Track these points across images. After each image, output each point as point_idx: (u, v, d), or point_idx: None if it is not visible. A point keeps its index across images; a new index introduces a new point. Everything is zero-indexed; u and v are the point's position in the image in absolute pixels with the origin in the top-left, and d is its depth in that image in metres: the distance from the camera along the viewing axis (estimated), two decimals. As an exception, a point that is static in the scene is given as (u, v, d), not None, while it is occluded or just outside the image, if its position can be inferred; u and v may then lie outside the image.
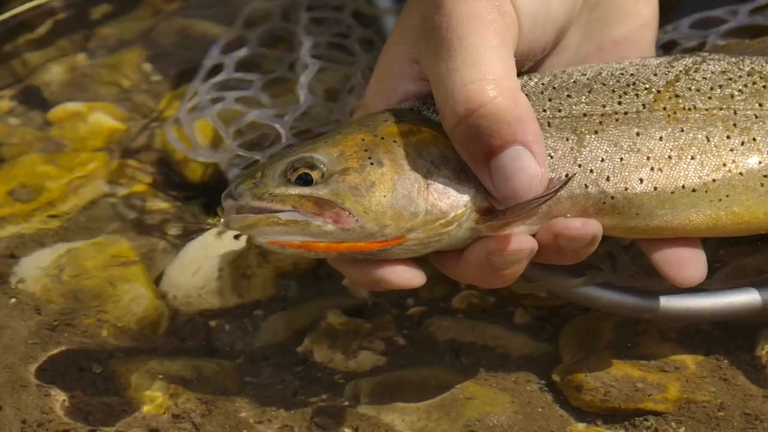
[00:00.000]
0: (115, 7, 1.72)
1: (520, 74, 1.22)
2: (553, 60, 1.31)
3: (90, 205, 1.48)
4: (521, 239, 1.17)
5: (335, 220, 1.17)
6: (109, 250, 1.41)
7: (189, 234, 1.43)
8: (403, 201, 1.17)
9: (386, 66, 1.26)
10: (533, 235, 1.19)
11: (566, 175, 1.18)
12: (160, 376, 1.29)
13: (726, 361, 1.29)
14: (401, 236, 1.17)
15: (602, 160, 1.20)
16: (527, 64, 1.27)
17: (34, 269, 1.40)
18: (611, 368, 1.27)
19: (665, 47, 1.49)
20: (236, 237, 1.41)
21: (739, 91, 1.23)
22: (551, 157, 1.19)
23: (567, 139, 1.20)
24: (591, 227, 1.18)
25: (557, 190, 1.16)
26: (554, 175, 1.19)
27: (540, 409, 1.26)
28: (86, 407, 1.26)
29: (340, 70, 1.53)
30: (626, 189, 1.20)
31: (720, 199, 1.21)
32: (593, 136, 1.20)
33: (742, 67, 1.25)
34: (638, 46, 1.32)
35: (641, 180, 1.20)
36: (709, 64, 1.25)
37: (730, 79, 1.24)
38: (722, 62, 1.26)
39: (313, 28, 1.57)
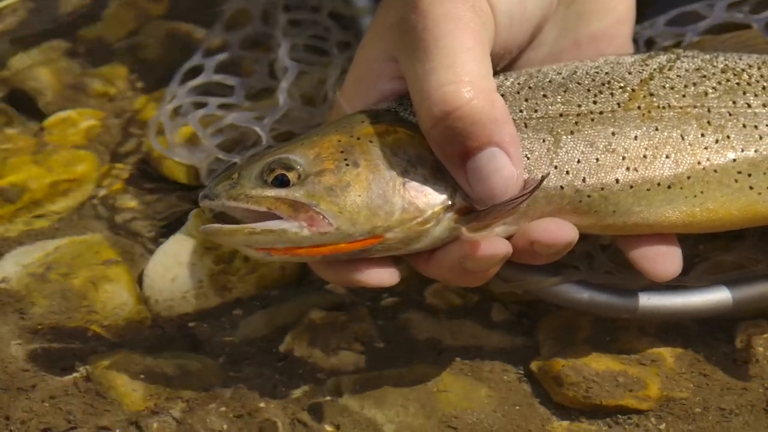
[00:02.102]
0: (100, 10, 1.73)
1: (495, 73, 1.24)
2: (529, 55, 1.32)
3: (73, 205, 1.49)
4: (496, 244, 1.18)
5: (310, 223, 1.18)
6: (92, 251, 1.42)
7: (171, 235, 1.43)
8: (378, 200, 1.18)
9: (363, 64, 1.27)
10: (509, 237, 1.21)
11: (541, 176, 1.20)
12: (142, 376, 1.30)
13: (704, 354, 1.30)
14: (379, 235, 1.19)
15: (578, 161, 1.21)
16: (503, 62, 1.28)
17: (17, 269, 1.40)
18: (591, 362, 1.28)
19: (646, 44, 1.51)
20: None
21: (713, 88, 1.25)
22: (528, 159, 1.21)
23: (543, 140, 1.21)
24: (567, 234, 1.20)
25: (533, 191, 1.17)
26: (530, 176, 1.20)
27: (517, 408, 1.27)
28: (67, 407, 1.27)
29: (318, 73, 1.54)
30: (602, 188, 1.21)
31: (695, 196, 1.22)
32: (569, 136, 1.22)
33: (715, 64, 1.27)
34: (615, 41, 1.33)
35: (617, 180, 1.21)
36: (683, 62, 1.27)
37: (704, 76, 1.25)
38: (696, 59, 1.27)
39: (290, 30, 1.58)
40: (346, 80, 1.30)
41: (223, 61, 1.56)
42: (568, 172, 1.21)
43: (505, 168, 1.16)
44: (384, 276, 1.21)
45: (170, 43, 1.67)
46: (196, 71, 1.55)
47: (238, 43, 1.59)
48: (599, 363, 1.28)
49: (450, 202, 1.19)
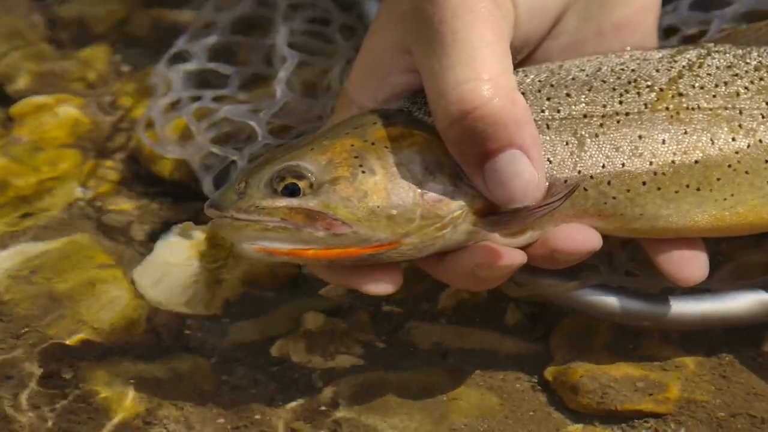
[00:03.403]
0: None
1: (515, 68, 1.21)
2: (549, 44, 1.29)
3: (60, 204, 1.46)
4: (512, 254, 1.17)
5: (326, 227, 1.16)
6: (79, 252, 1.40)
7: (162, 234, 1.42)
8: (397, 209, 1.16)
9: (373, 54, 1.24)
10: (532, 243, 1.20)
11: (565, 181, 1.18)
12: (132, 381, 1.28)
13: (728, 358, 1.29)
14: (396, 241, 1.17)
15: (603, 166, 1.19)
16: (521, 55, 1.26)
17: (0, 272, 1.38)
18: (609, 368, 1.26)
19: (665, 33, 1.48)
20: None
21: (745, 88, 1.22)
22: (550, 162, 1.18)
23: (567, 143, 1.19)
24: (590, 243, 1.18)
25: (567, 195, 1.15)
26: (554, 180, 1.18)
27: (531, 413, 1.25)
28: (53, 417, 1.25)
29: (320, 62, 1.51)
30: (628, 191, 1.19)
31: (725, 199, 1.20)
32: (594, 139, 1.19)
33: (748, 60, 1.24)
34: (639, 30, 1.31)
35: (644, 183, 1.19)
36: (714, 58, 1.24)
37: (736, 74, 1.23)
38: (728, 55, 1.25)
39: (290, 13, 1.55)
40: (354, 69, 1.27)
41: (216, 46, 1.53)
42: (592, 177, 1.19)
43: (525, 172, 1.13)
44: (385, 283, 1.19)
45: (157, 27, 1.65)
46: (186, 57, 1.52)
47: (230, 27, 1.56)
48: (618, 370, 1.26)
49: (470, 206, 1.17)
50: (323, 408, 1.26)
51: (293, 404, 1.26)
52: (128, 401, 1.26)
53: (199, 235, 1.39)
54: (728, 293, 1.27)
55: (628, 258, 1.30)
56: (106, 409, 1.25)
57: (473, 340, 1.31)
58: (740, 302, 1.27)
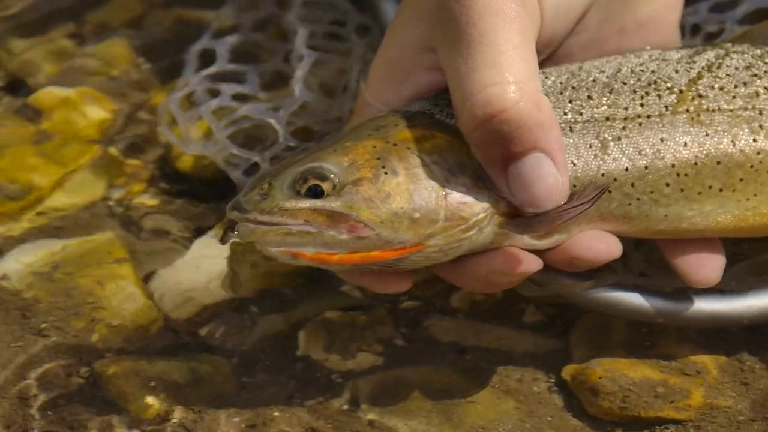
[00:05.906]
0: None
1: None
2: (570, 42, 1.32)
3: (81, 200, 1.48)
4: (530, 261, 1.20)
5: (349, 230, 1.18)
6: (100, 248, 1.42)
7: (183, 233, 1.44)
8: (420, 211, 1.18)
9: (396, 50, 1.26)
10: (554, 247, 1.23)
11: (591, 182, 1.21)
12: (152, 381, 1.30)
13: (749, 361, 1.31)
14: (420, 243, 1.19)
15: (626, 169, 1.22)
16: (543, 55, 1.28)
17: (20, 267, 1.40)
18: (628, 370, 1.29)
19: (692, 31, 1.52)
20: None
21: (765, 88, 1.26)
22: (574, 165, 1.22)
23: (590, 146, 1.22)
24: (611, 251, 1.22)
25: (596, 198, 1.18)
26: (577, 185, 1.21)
27: (549, 418, 1.28)
28: (70, 415, 1.28)
29: (337, 62, 1.53)
30: (652, 192, 1.23)
31: (747, 199, 1.24)
32: (617, 143, 1.23)
33: (767, 60, 1.28)
34: (661, 27, 1.33)
35: (667, 184, 1.23)
36: (732, 59, 1.28)
37: (755, 75, 1.27)
38: (746, 55, 1.28)
39: (306, 14, 1.57)
40: (374, 66, 1.29)
41: (236, 45, 1.56)
42: (616, 179, 1.22)
43: (550, 175, 1.16)
44: (397, 282, 1.23)
45: (178, 28, 1.67)
46: (207, 57, 1.55)
47: (250, 27, 1.59)
48: (637, 372, 1.29)
49: (494, 208, 1.20)
50: (343, 408, 1.28)
51: (312, 403, 1.29)
52: (146, 399, 1.28)
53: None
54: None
55: (642, 258, 1.33)
56: (125, 407, 1.28)
57: (491, 337, 1.34)
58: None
